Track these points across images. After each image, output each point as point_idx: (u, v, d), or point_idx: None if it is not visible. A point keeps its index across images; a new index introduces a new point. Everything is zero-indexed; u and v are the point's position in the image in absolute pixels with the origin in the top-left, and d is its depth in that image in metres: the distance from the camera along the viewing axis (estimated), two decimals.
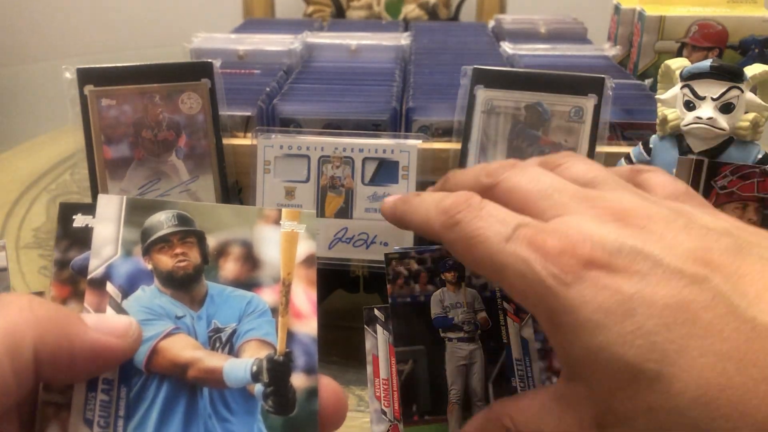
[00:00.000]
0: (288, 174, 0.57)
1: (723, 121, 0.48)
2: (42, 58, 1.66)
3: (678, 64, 0.50)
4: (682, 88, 0.49)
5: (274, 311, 0.27)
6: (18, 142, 0.95)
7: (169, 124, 0.58)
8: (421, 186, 0.57)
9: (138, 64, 0.58)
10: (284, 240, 0.28)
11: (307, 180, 0.57)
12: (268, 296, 0.27)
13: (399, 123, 0.65)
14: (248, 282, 0.27)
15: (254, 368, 0.26)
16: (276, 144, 0.56)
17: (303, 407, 0.26)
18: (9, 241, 0.70)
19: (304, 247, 0.28)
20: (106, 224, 0.27)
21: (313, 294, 0.28)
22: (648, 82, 0.76)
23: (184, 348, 0.26)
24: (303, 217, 0.29)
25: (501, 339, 0.42)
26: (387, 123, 0.63)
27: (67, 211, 0.27)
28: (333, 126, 0.63)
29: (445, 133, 0.63)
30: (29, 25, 1.81)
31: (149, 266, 0.27)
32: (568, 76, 0.56)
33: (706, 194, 0.47)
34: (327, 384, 0.27)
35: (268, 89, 0.69)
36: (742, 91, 0.48)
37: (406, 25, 1.14)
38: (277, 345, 0.26)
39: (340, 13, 1.56)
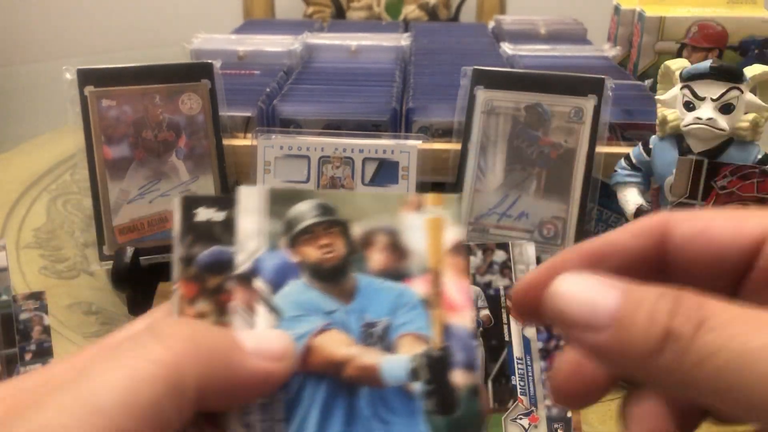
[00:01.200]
0: (288, 174, 0.57)
1: (723, 121, 0.48)
2: (42, 59, 1.66)
3: (678, 65, 0.50)
4: (681, 88, 0.49)
5: (426, 303, 0.26)
6: (18, 143, 0.95)
7: (170, 124, 0.58)
8: (421, 187, 0.57)
9: (138, 64, 0.58)
10: (429, 227, 0.26)
11: (307, 180, 0.57)
12: (419, 287, 0.26)
13: (399, 123, 0.65)
14: (397, 272, 0.26)
15: (413, 365, 0.24)
16: (276, 144, 0.57)
17: (466, 406, 0.24)
18: (9, 241, 0.70)
19: (451, 234, 0.26)
20: (249, 217, 0.26)
21: (466, 284, 0.26)
22: (648, 82, 0.76)
23: (338, 345, 0.25)
24: (447, 202, 0.27)
25: (503, 337, 0.42)
26: (387, 123, 0.63)
27: (189, 205, 0.26)
28: (333, 126, 0.63)
29: (445, 133, 0.63)
30: (29, 25, 1.81)
31: (295, 259, 0.26)
32: (568, 77, 0.56)
33: (706, 194, 0.47)
34: None
35: (268, 90, 0.69)
36: (742, 92, 0.48)
37: (406, 25, 1.14)
38: (434, 340, 0.25)
39: (340, 13, 1.56)
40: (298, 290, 0.25)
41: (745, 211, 0.24)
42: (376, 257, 0.26)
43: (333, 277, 0.26)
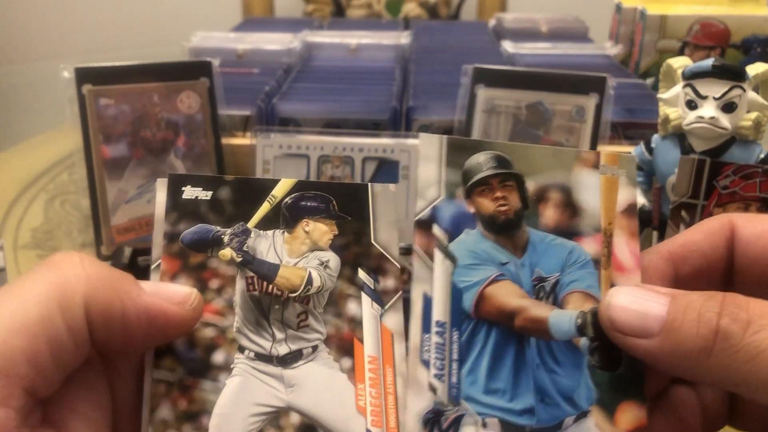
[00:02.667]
0: (287, 173, 0.56)
1: (725, 120, 0.47)
2: (40, 58, 1.66)
3: (680, 63, 0.50)
4: (684, 87, 0.49)
5: (597, 263, 0.26)
6: (16, 142, 0.95)
7: (168, 123, 0.58)
8: None
9: (136, 63, 0.57)
10: (604, 186, 0.26)
11: (307, 180, 0.57)
12: (590, 246, 0.26)
13: (399, 122, 0.65)
14: (569, 230, 0.26)
15: (579, 321, 0.25)
16: (275, 143, 0.56)
17: (629, 365, 0.25)
18: (7, 241, 0.69)
19: (625, 195, 0.26)
20: (429, 165, 0.26)
21: (636, 247, 0.26)
22: (649, 81, 0.75)
23: (510, 295, 0.25)
24: (623, 162, 0.27)
25: None
26: (387, 122, 0.63)
27: (176, 183, 0.26)
28: (333, 125, 0.62)
29: (446, 132, 0.62)
30: (27, 24, 1.80)
31: (471, 209, 0.26)
32: (570, 76, 0.56)
33: (709, 194, 0.47)
34: None
35: (267, 88, 0.68)
36: (744, 91, 0.47)
37: (407, 23, 1.14)
38: (601, 298, 0.25)
39: (339, 11, 1.56)
40: (474, 240, 0.26)
41: None
42: (549, 213, 0.26)
43: (507, 230, 0.26)
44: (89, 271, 0.22)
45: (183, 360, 0.24)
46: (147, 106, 0.57)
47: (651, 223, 0.51)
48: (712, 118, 0.47)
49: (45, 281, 0.21)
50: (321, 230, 0.26)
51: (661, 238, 0.50)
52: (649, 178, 0.54)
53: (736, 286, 0.26)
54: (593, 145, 0.55)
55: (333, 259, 0.26)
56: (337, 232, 0.26)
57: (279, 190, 0.27)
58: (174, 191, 0.26)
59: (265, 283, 0.25)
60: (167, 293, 0.23)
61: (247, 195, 0.26)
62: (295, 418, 0.24)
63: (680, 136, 0.50)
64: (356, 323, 0.25)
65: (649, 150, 0.53)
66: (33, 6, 1.82)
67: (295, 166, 0.56)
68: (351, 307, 0.26)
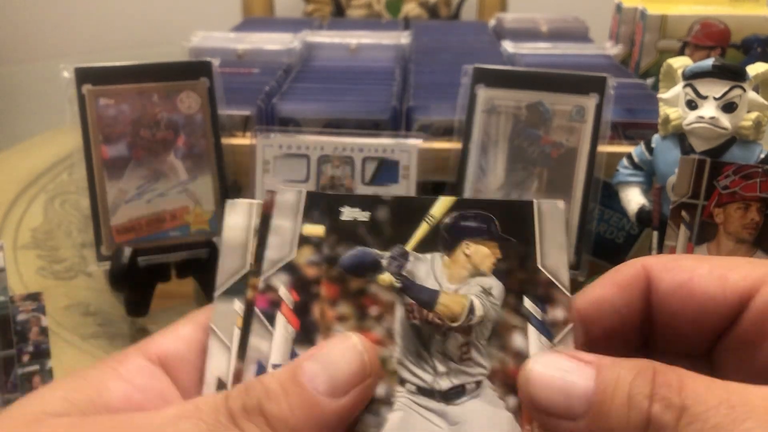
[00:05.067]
0: (287, 174, 0.56)
1: (725, 120, 0.47)
2: (40, 58, 1.65)
3: (680, 63, 0.50)
4: (684, 87, 0.49)
5: None
6: (16, 142, 0.95)
7: (168, 123, 0.58)
8: (422, 186, 0.57)
9: (136, 63, 0.57)
10: None
11: (307, 180, 0.57)
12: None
13: (399, 122, 0.65)
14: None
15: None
16: (275, 143, 0.56)
17: None
18: (6, 242, 0.69)
19: None
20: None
21: None
22: (650, 81, 0.75)
23: None
24: None
25: None
26: (387, 122, 0.63)
27: (332, 204, 0.25)
28: (333, 125, 0.62)
29: (446, 132, 0.62)
30: (27, 24, 1.80)
31: None
32: (570, 76, 0.56)
33: (709, 194, 0.47)
34: None
35: (267, 88, 0.68)
36: (745, 91, 0.47)
37: (407, 23, 1.14)
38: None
39: (339, 11, 1.56)
40: None
41: (728, 261, 0.23)
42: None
43: None
44: None
45: None
46: (147, 106, 0.57)
47: (651, 224, 0.51)
48: (713, 118, 0.47)
49: None
50: (482, 253, 0.24)
51: (661, 238, 0.50)
52: (649, 178, 0.54)
53: (655, 339, 0.24)
54: (594, 145, 0.55)
55: (496, 286, 0.24)
56: (500, 256, 0.24)
57: (437, 210, 0.25)
58: (331, 212, 0.25)
59: (425, 311, 0.24)
60: None
61: (405, 215, 0.25)
62: None
63: (680, 136, 0.50)
64: (522, 358, 0.23)
65: (650, 150, 0.53)
66: (33, 6, 1.82)
67: (295, 166, 0.56)
68: (516, 340, 0.23)
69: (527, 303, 0.24)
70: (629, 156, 0.54)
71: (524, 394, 0.21)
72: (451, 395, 0.23)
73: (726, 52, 0.78)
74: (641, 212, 0.52)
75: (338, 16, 1.55)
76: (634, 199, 0.53)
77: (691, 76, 0.48)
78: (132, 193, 0.57)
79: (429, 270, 0.24)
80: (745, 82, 0.47)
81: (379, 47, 0.85)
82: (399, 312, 0.24)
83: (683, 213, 0.48)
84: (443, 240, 0.25)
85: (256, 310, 0.24)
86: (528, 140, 0.56)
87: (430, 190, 0.59)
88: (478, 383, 0.23)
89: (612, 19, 0.90)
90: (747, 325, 0.21)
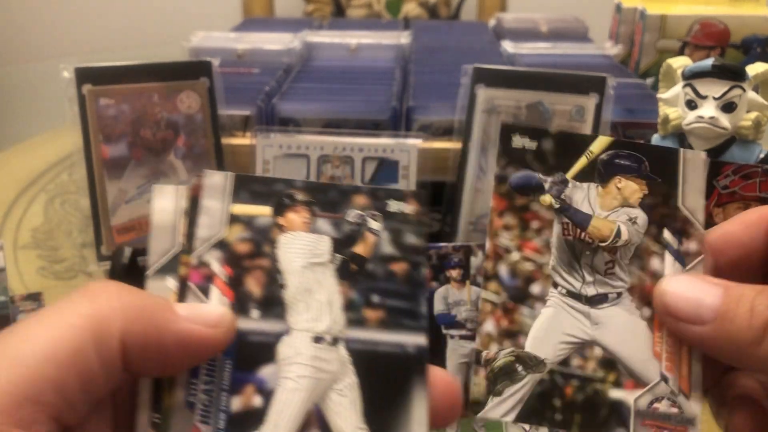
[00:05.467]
0: (287, 173, 0.56)
1: (725, 120, 0.47)
2: (40, 57, 1.65)
3: (680, 63, 0.50)
4: (683, 87, 0.49)
5: None
6: (16, 142, 0.95)
7: (168, 123, 0.58)
8: (421, 186, 0.57)
9: (136, 63, 0.57)
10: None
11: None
12: None
13: (399, 122, 0.65)
14: None
15: None
16: (275, 143, 0.56)
17: None
18: (7, 242, 0.69)
19: None
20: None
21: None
22: (649, 81, 0.75)
23: None
24: None
25: None
26: (387, 122, 0.63)
27: (506, 131, 0.28)
28: (333, 125, 0.62)
29: (446, 132, 0.62)
30: (27, 24, 1.80)
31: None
32: (570, 75, 0.56)
33: (708, 194, 0.47)
34: (440, 376, 0.26)
35: (267, 88, 0.68)
36: (744, 90, 0.47)
37: (407, 23, 1.14)
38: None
39: (340, 11, 1.56)
40: None
41: None
42: None
43: None
44: (125, 301, 0.22)
45: (506, 286, 0.27)
46: (147, 106, 0.57)
47: None
48: (712, 117, 0.47)
49: (80, 313, 0.21)
50: (632, 188, 0.28)
51: None
52: None
53: None
54: None
55: (641, 217, 0.28)
56: (647, 192, 0.28)
57: (596, 146, 0.28)
58: (504, 139, 0.28)
59: (578, 230, 0.28)
60: (202, 316, 0.23)
61: (568, 148, 0.28)
62: (598, 352, 0.27)
63: (680, 136, 0.50)
64: (658, 278, 0.27)
65: None
66: (33, 6, 1.82)
67: (295, 166, 0.56)
68: (654, 263, 0.27)
69: (666, 234, 0.27)
70: None
71: (659, 303, 0.25)
72: (595, 300, 0.27)
73: (725, 52, 0.78)
74: None
75: (338, 16, 1.55)
76: None
77: (690, 76, 0.48)
78: (132, 193, 0.57)
79: (585, 196, 0.28)
80: (745, 82, 0.47)
81: (379, 47, 0.85)
82: (556, 228, 0.28)
83: None
84: (599, 173, 0.28)
85: (190, 284, 0.25)
86: None
87: (430, 189, 0.59)
88: (619, 294, 0.27)
89: (612, 19, 0.90)
90: None
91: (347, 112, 0.63)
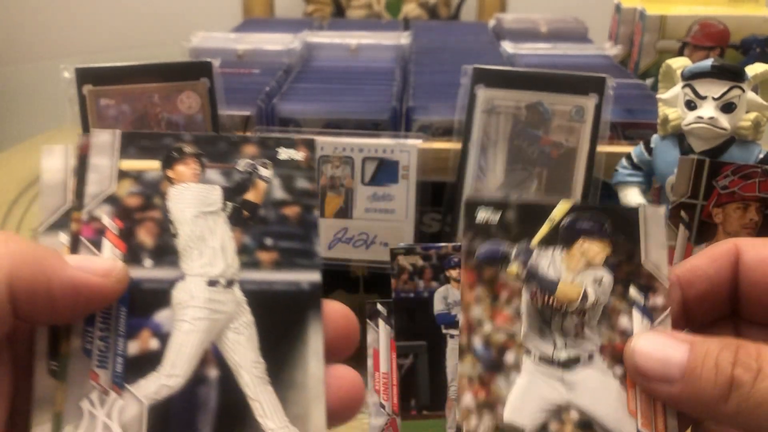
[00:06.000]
0: None
1: (724, 120, 0.48)
2: (40, 58, 1.66)
3: (679, 64, 0.50)
4: (683, 87, 0.49)
5: None
6: (16, 142, 0.95)
7: (168, 123, 0.58)
8: (421, 186, 0.57)
9: (137, 63, 0.57)
10: None
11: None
12: None
13: (399, 123, 0.65)
14: None
15: None
16: None
17: None
18: None
19: None
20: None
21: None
22: (649, 81, 0.76)
23: None
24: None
25: None
26: (387, 123, 0.63)
27: (470, 207, 0.29)
28: (333, 126, 0.62)
29: (446, 132, 0.63)
30: (27, 24, 1.80)
31: None
32: (569, 76, 0.56)
33: (708, 194, 0.47)
34: (344, 373, 0.27)
35: (267, 89, 0.68)
36: (744, 91, 0.48)
37: (407, 24, 1.14)
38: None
39: (340, 12, 1.56)
40: None
41: None
42: None
43: None
44: (12, 248, 0.22)
45: (481, 358, 0.28)
46: (147, 106, 0.57)
47: None
48: (712, 118, 0.47)
49: None
50: (595, 249, 0.28)
51: None
52: (648, 178, 0.54)
53: (741, 308, 0.28)
54: (593, 146, 0.55)
55: (606, 277, 0.28)
56: (610, 251, 0.28)
57: (557, 212, 0.29)
58: (469, 214, 0.29)
59: (546, 296, 0.28)
60: (92, 266, 0.24)
61: (530, 217, 0.29)
62: (574, 414, 0.27)
63: (679, 137, 0.50)
64: (628, 336, 0.27)
65: (649, 150, 0.53)
66: (33, 6, 1.82)
67: None
68: (623, 321, 0.28)
69: (632, 291, 0.28)
70: (628, 156, 0.54)
71: (629, 363, 0.26)
72: (568, 364, 0.28)
73: (725, 52, 0.78)
74: None
75: (338, 16, 1.55)
76: (633, 199, 0.53)
77: (690, 77, 0.48)
78: None
79: (550, 262, 0.29)
80: (744, 82, 0.47)
81: (379, 47, 0.85)
82: (525, 296, 0.28)
83: (682, 213, 0.48)
84: (562, 237, 0.29)
85: (82, 238, 0.26)
86: (528, 140, 0.56)
87: (430, 190, 0.59)
88: (591, 356, 0.28)
89: (611, 20, 0.90)
90: None
91: (347, 112, 0.63)
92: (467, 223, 0.29)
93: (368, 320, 0.39)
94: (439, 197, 0.59)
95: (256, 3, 1.50)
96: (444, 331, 0.41)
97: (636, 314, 0.28)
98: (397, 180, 0.56)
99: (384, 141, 0.56)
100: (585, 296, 0.28)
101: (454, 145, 0.58)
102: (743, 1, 0.83)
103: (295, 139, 0.28)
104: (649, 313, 0.28)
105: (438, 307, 0.42)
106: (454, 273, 0.42)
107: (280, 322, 0.26)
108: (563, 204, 0.29)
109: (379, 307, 0.39)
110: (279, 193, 0.28)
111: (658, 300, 0.28)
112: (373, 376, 0.38)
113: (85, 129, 0.56)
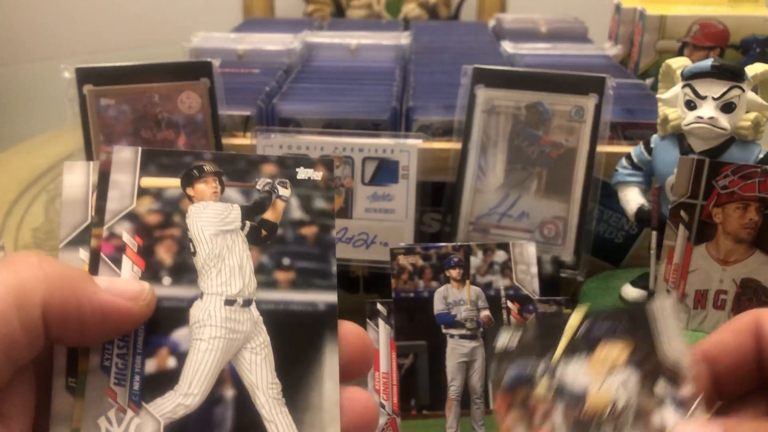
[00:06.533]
0: None
1: (724, 120, 0.48)
2: (41, 58, 1.66)
3: (679, 64, 0.50)
4: (683, 87, 0.49)
5: None
6: (16, 142, 0.95)
7: (168, 123, 0.58)
8: (421, 186, 0.57)
9: (137, 63, 0.57)
10: None
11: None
12: None
13: (399, 122, 0.65)
14: None
15: None
16: (275, 144, 0.56)
17: None
18: (8, 242, 0.70)
19: None
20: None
21: None
22: (649, 81, 0.75)
23: None
24: None
25: None
26: (387, 123, 0.63)
27: (498, 358, 0.29)
28: (333, 126, 0.63)
29: (446, 132, 0.63)
30: (28, 24, 1.80)
31: None
32: (569, 76, 0.56)
33: (708, 194, 0.47)
34: (358, 395, 0.27)
35: (267, 89, 0.68)
36: (744, 91, 0.48)
37: (406, 24, 1.14)
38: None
39: (340, 12, 1.56)
40: None
41: None
42: None
43: None
44: (47, 271, 0.22)
45: None
46: (147, 106, 0.57)
47: (650, 224, 0.51)
48: (711, 118, 0.47)
49: (2, 282, 0.22)
50: (616, 351, 0.28)
51: (660, 238, 0.50)
52: (648, 178, 0.54)
53: None
54: (593, 146, 0.55)
55: (632, 377, 0.28)
56: (631, 350, 0.28)
57: (574, 321, 0.29)
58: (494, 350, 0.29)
59: (578, 410, 0.28)
60: (121, 289, 0.24)
61: (548, 330, 0.29)
62: None
63: (679, 137, 0.50)
64: None
65: (649, 150, 0.53)
66: (33, 6, 1.82)
67: None
68: (656, 418, 0.27)
69: (660, 386, 0.28)
70: (628, 156, 0.54)
71: None
72: None
73: (725, 52, 0.78)
74: (640, 212, 0.52)
75: (338, 16, 1.55)
76: (633, 199, 0.53)
77: (690, 77, 0.49)
78: None
79: (575, 372, 0.29)
80: (744, 82, 0.47)
81: (379, 48, 0.85)
82: (557, 412, 0.28)
83: (682, 213, 0.48)
84: (583, 345, 0.29)
85: (102, 255, 0.26)
86: (527, 140, 0.56)
87: (430, 190, 0.59)
88: None
89: (611, 20, 0.90)
90: None
91: (347, 112, 0.63)
92: (499, 353, 0.29)
93: (368, 320, 0.39)
94: (439, 197, 0.59)
95: (256, 3, 1.50)
96: (444, 331, 0.41)
97: (668, 409, 0.27)
98: (397, 180, 0.56)
99: (384, 141, 0.56)
100: (615, 401, 0.28)
101: (454, 145, 0.58)
102: (743, 1, 0.83)
103: (313, 159, 0.28)
104: (681, 404, 0.28)
105: (438, 307, 0.42)
106: (453, 273, 0.42)
107: (296, 342, 0.26)
108: (578, 313, 0.29)
109: (379, 307, 0.40)
110: (297, 213, 0.28)
111: (686, 390, 0.27)
112: (373, 375, 0.38)
113: (86, 129, 0.56)
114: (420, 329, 0.40)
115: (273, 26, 1.06)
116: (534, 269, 0.43)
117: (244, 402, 0.25)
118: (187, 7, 1.80)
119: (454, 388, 0.40)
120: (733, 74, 0.47)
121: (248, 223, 0.27)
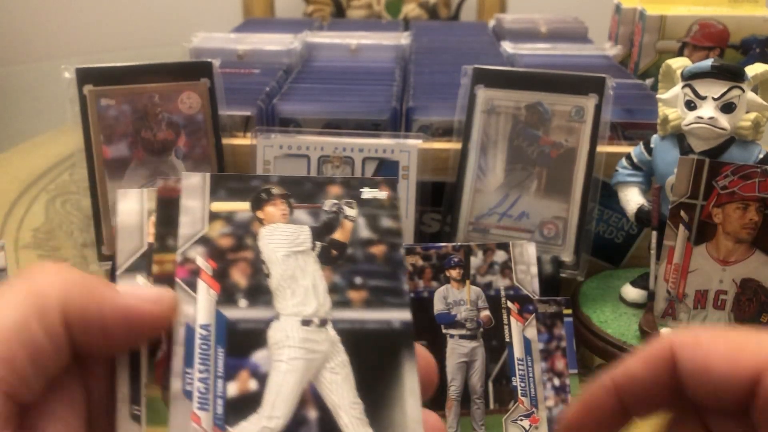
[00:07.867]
0: (288, 173, 0.56)
1: (724, 120, 0.48)
2: (41, 58, 1.66)
3: (679, 64, 0.50)
4: (683, 87, 0.49)
5: None
6: (17, 142, 0.95)
7: (169, 123, 0.58)
8: (421, 186, 0.57)
9: (137, 63, 0.57)
10: None
11: None
12: None
13: (399, 123, 0.65)
14: None
15: None
16: (276, 144, 0.56)
17: None
18: (8, 242, 0.70)
19: None
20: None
21: None
22: (649, 81, 0.75)
23: None
24: None
25: (503, 338, 0.42)
26: (387, 123, 0.63)
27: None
28: (333, 126, 0.63)
29: (446, 133, 0.63)
30: (28, 24, 1.80)
31: None
32: (569, 76, 0.56)
33: (708, 194, 0.47)
34: (427, 417, 0.26)
35: (267, 89, 0.68)
36: (744, 91, 0.48)
37: (407, 24, 1.14)
38: None
39: (340, 12, 1.56)
40: None
41: (742, 338, 0.24)
42: None
43: None
44: (65, 277, 0.22)
45: None
46: (148, 106, 0.57)
47: (650, 224, 0.51)
48: (711, 118, 0.47)
49: (20, 290, 0.22)
50: None
51: (660, 238, 0.50)
52: (648, 178, 0.54)
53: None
54: (593, 146, 0.55)
55: None
56: None
57: None
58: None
59: None
60: (142, 293, 0.24)
61: None
62: None
63: (679, 137, 0.50)
64: None
65: (649, 150, 0.53)
66: (33, 6, 1.82)
67: (296, 166, 0.56)
68: None
69: None
70: (628, 156, 0.54)
71: None
72: None
73: (725, 52, 0.78)
74: (640, 212, 0.52)
75: (338, 16, 1.55)
76: (633, 199, 0.53)
77: (690, 77, 0.49)
78: None
79: None
80: (744, 82, 0.47)
81: (379, 48, 0.85)
82: None
83: (682, 213, 0.48)
84: None
85: (178, 280, 0.26)
86: (527, 140, 0.56)
87: (430, 190, 0.59)
88: None
89: (611, 20, 0.90)
90: (762, 403, 0.23)
91: (347, 112, 0.63)
92: None
93: None
94: (439, 197, 0.59)
95: (256, 3, 1.50)
96: (444, 330, 0.41)
97: None
98: (398, 180, 0.56)
99: (384, 141, 0.56)
100: None
101: (454, 145, 0.58)
102: (743, 1, 0.83)
103: (378, 179, 0.29)
104: None
105: (438, 306, 0.42)
106: (453, 273, 0.42)
107: (374, 361, 0.26)
108: None
109: None
110: (365, 232, 0.28)
111: None
112: None
113: (86, 129, 0.57)
114: (420, 329, 0.40)
115: (273, 26, 1.06)
116: (534, 269, 0.43)
117: (328, 423, 0.25)
118: (188, 7, 1.80)
119: (454, 388, 0.40)
120: (733, 74, 0.47)
121: (318, 244, 0.27)
